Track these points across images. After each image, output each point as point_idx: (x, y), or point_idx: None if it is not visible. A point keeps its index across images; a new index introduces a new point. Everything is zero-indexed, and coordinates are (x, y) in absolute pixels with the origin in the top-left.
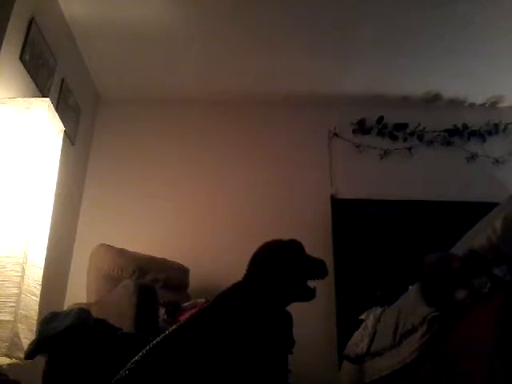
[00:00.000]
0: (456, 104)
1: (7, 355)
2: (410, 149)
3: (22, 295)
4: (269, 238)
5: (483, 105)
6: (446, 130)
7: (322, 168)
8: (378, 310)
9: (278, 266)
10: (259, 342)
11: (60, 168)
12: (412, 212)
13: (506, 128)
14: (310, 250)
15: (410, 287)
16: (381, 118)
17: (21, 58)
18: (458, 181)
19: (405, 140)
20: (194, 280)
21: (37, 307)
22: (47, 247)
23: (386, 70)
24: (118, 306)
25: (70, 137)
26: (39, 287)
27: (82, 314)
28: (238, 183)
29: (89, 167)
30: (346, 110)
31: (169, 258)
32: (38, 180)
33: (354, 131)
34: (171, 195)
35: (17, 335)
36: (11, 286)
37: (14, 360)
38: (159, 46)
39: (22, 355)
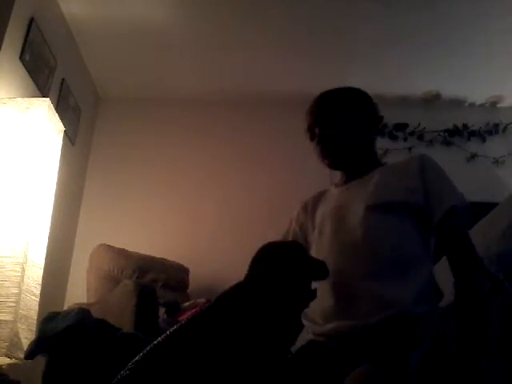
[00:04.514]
0: (456, 104)
1: (7, 355)
2: (410, 149)
3: (22, 295)
4: (269, 239)
5: (483, 105)
6: (445, 130)
7: (322, 168)
8: None
9: (279, 267)
10: (260, 342)
11: (60, 168)
12: None
13: (506, 128)
14: None
15: None
16: (381, 118)
17: (21, 58)
18: (458, 181)
19: (405, 140)
20: (193, 280)
21: (37, 307)
22: (47, 247)
23: (385, 69)
24: (118, 305)
25: (70, 137)
26: (39, 287)
27: (81, 314)
28: (238, 183)
29: (89, 167)
30: None
31: (169, 258)
32: (38, 180)
33: None
34: (171, 195)
35: (17, 335)
36: (11, 285)
37: (13, 360)
38: (159, 45)
39: (21, 355)
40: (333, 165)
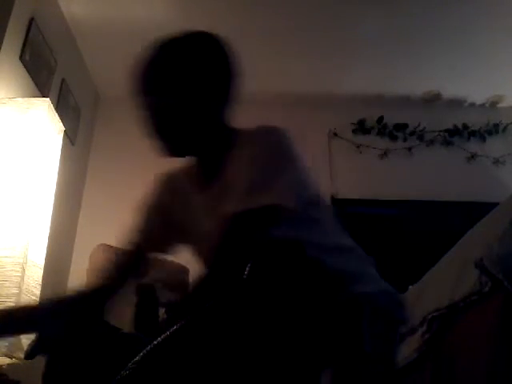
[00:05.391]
0: (456, 104)
1: (7, 355)
2: (409, 149)
3: (22, 295)
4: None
5: (483, 105)
6: (446, 130)
7: (321, 168)
8: None
9: (278, 267)
10: (260, 342)
11: (60, 168)
12: (412, 212)
13: (506, 128)
14: None
15: (410, 287)
16: (381, 118)
17: (21, 58)
18: (458, 181)
19: (405, 140)
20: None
21: None
22: (47, 247)
23: (385, 69)
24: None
25: (70, 137)
26: (39, 287)
27: None
28: None
29: (89, 167)
30: (346, 109)
31: (169, 258)
32: (38, 180)
33: (353, 131)
34: None
35: None
36: (11, 285)
37: (13, 360)
38: None
39: (22, 355)
40: (173, 150)
